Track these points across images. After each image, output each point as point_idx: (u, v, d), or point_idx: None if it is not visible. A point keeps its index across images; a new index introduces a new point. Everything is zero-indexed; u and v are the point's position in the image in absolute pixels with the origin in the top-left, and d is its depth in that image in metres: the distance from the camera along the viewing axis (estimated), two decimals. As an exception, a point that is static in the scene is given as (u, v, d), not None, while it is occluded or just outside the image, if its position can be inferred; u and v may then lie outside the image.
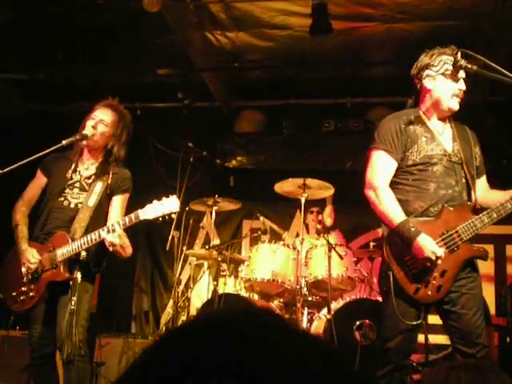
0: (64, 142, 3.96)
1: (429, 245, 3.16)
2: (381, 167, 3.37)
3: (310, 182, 5.81)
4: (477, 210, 3.35)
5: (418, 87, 3.55)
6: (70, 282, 3.78)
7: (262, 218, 6.72)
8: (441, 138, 3.40)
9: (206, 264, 7.00)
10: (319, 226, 6.04)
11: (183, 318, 6.55)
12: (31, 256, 3.89)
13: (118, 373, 6.30)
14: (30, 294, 3.92)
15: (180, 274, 6.95)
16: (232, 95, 7.87)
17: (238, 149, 8.01)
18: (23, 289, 3.93)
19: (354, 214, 7.54)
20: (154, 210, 3.72)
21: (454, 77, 3.29)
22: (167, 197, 3.78)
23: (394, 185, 3.40)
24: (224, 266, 6.31)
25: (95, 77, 7.06)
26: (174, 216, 3.93)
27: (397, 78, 7.29)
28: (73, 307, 3.72)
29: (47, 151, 3.97)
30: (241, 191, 7.74)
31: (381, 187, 3.33)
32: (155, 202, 3.75)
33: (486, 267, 7.29)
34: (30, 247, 3.94)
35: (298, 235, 6.70)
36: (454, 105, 3.40)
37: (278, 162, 7.88)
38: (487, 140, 7.05)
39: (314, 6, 5.72)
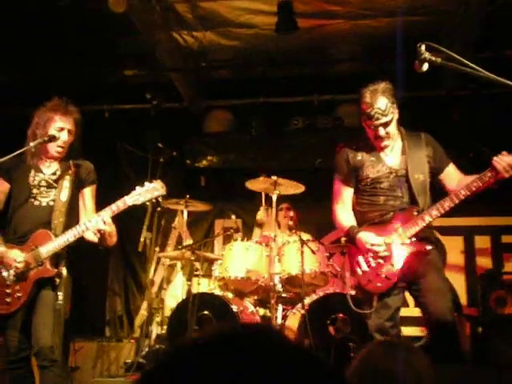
0: (32, 145, 3.99)
1: (367, 237, 3.85)
2: (336, 193, 4.19)
3: (280, 180, 5.86)
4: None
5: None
6: (57, 280, 3.82)
7: (233, 217, 6.74)
8: (386, 158, 4.00)
9: (179, 264, 6.97)
10: (291, 223, 6.07)
11: (157, 319, 6.53)
12: (17, 256, 3.87)
13: (93, 377, 6.26)
14: (17, 294, 3.89)
15: (153, 276, 6.92)
16: (200, 95, 7.87)
17: (207, 148, 8.01)
18: (8, 291, 3.89)
19: (324, 210, 7.59)
20: (140, 196, 3.83)
21: (372, 125, 3.87)
22: (150, 182, 3.88)
23: (356, 200, 4.12)
24: (197, 265, 6.30)
25: (61, 79, 7.00)
26: (160, 200, 4.05)
27: (363, 74, 7.41)
28: (60, 302, 3.78)
29: (10, 156, 3.97)
30: (212, 191, 7.75)
31: (336, 209, 4.17)
32: (139, 188, 3.85)
33: (456, 259, 7.43)
34: (10, 248, 3.93)
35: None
36: (381, 144, 3.96)
37: (248, 161, 7.90)
38: (453, 133, 7.21)
39: (280, 3, 5.76)
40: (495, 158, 3.60)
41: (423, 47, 2.67)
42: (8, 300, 3.89)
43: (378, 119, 3.84)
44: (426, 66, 2.79)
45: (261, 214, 6.75)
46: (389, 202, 3.93)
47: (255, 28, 6.43)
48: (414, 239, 3.82)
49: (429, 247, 3.82)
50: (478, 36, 6.07)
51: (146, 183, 3.88)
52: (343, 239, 6.55)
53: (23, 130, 4.18)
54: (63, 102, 4.17)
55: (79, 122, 4.20)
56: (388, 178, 3.95)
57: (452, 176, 4.00)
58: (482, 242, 7.59)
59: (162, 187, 3.89)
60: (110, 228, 3.88)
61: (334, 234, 7.70)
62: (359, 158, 4.04)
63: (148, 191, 3.85)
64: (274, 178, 5.82)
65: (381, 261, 3.83)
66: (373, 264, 3.85)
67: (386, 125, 3.87)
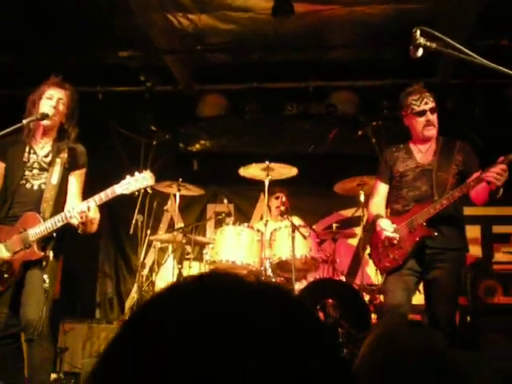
0: (24, 122, 3.99)
1: (382, 223, 4.27)
2: (373, 189, 4.66)
3: (273, 165, 5.86)
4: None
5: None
6: (43, 263, 3.87)
7: (225, 201, 6.74)
8: (418, 156, 4.38)
9: (170, 248, 6.97)
10: (283, 208, 6.07)
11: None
12: (1, 253, 3.92)
13: (83, 358, 6.28)
14: (4, 276, 3.93)
15: (144, 258, 6.93)
16: (195, 79, 7.83)
17: (201, 132, 7.98)
18: None
19: (316, 196, 7.62)
20: (129, 185, 3.87)
21: (420, 111, 4.25)
22: (140, 172, 3.93)
23: (389, 198, 4.50)
24: (189, 248, 6.31)
25: (56, 60, 6.95)
26: (149, 190, 4.09)
27: (358, 61, 7.41)
28: (46, 285, 3.83)
29: (3, 132, 3.96)
30: (204, 175, 7.73)
31: (370, 202, 4.64)
32: (129, 177, 3.89)
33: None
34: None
35: (262, 218, 6.73)
36: (428, 134, 4.32)
37: (241, 146, 7.88)
38: (447, 122, 7.21)
39: (276, -13, 5.74)
40: (484, 175, 3.91)
41: (418, 32, 2.67)
42: None
43: (427, 103, 4.25)
44: (420, 52, 2.79)
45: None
46: (410, 193, 4.32)
47: (251, 12, 6.38)
48: (424, 224, 4.16)
49: (436, 233, 4.14)
50: (474, 24, 6.06)
51: (136, 173, 3.93)
52: (335, 226, 6.59)
53: (19, 111, 4.17)
54: (58, 77, 4.19)
55: (73, 97, 4.19)
56: (414, 172, 4.34)
57: None
58: (472, 231, 7.61)
59: (152, 178, 3.96)
60: (94, 215, 3.90)
61: (326, 220, 7.73)
62: (395, 154, 4.47)
63: (137, 181, 3.90)
64: (267, 163, 5.83)
65: (392, 243, 4.22)
66: (385, 246, 4.26)
67: (433, 110, 4.27)
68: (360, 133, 6.37)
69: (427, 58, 3.28)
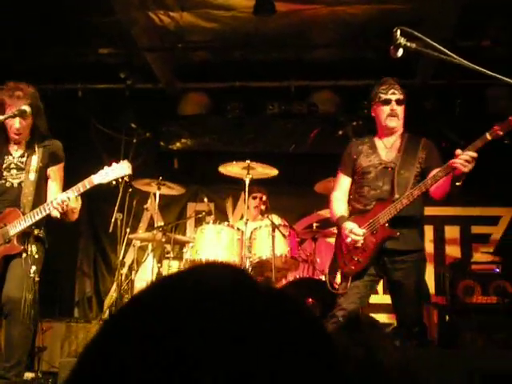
0: (1, 118, 4.01)
1: (351, 227, 4.17)
2: (336, 182, 4.58)
3: (253, 164, 5.85)
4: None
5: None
6: (24, 255, 3.97)
7: (205, 200, 6.72)
8: (382, 152, 4.32)
9: (150, 246, 6.93)
10: (263, 207, 6.06)
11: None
12: None
13: (61, 357, 6.22)
14: None
15: (124, 257, 6.87)
16: (176, 77, 7.79)
17: (182, 131, 7.94)
18: None
19: (297, 195, 7.62)
20: (107, 175, 3.99)
21: (387, 100, 4.22)
22: (117, 163, 4.07)
23: (351, 192, 4.45)
24: (168, 247, 6.27)
25: (36, 57, 6.89)
26: (126, 179, 4.19)
27: (340, 61, 7.42)
28: (33, 275, 3.96)
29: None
30: (185, 174, 7.71)
31: (332, 197, 4.53)
32: (106, 167, 4.03)
33: (425, 248, 7.50)
34: None
35: (242, 217, 6.72)
36: (390, 124, 4.27)
37: (223, 145, 7.86)
38: (426, 123, 7.26)
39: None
40: (451, 161, 3.79)
41: (398, 32, 2.67)
42: None
43: (394, 93, 4.22)
44: (400, 52, 2.79)
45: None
46: (371, 192, 4.26)
47: (233, 10, 6.36)
48: (386, 225, 4.12)
49: (398, 233, 4.10)
50: (456, 25, 6.09)
51: (114, 164, 4.07)
52: (315, 225, 6.60)
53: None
54: (15, 85, 4.14)
55: (35, 103, 4.17)
56: (376, 169, 4.27)
57: None
58: (451, 231, 7.68)
59: (129, 167, 4.09)
60: (75, 205, 4.02)
61: (306, 219, 7.74)
62: (360, 147, 4.40)
63: (114, 170, 4.03)
64: (248, 161, 5.81)
65: (357, 246, 4.16)
66: (350, 249, 4.20)
67: (399, 102, 4.24)
68: (341, 132, 6.39)
69: (408, 59, 3.30)
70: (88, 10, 6.29)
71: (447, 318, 6.63)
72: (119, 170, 4.03)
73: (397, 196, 4.10)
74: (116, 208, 6.49)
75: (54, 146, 4.31)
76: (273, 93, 7.75)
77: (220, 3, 6.22)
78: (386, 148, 4.33)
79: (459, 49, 2.61)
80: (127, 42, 6.83)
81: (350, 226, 4.20)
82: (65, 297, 7.87)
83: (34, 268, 3.96)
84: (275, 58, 7.41)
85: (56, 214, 3.97)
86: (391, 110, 4.23)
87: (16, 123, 4.09)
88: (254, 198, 6.47)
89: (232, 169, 6.04)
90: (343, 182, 4.49)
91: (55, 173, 4.27)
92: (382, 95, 4.24)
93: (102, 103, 7.69)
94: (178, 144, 7.96)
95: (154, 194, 6.61)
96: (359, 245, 4.14)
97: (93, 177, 3.99)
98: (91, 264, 8.02)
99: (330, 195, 4.62)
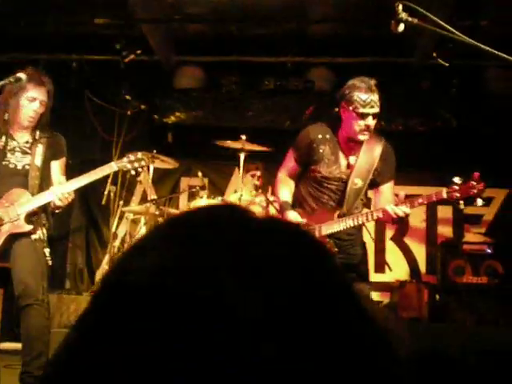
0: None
1: (291, 214, 4.07)
2: (286, 162, 4.33)
3: (249, 145, 5.85)
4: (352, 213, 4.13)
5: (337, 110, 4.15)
6: (33, 237, 3.99)
7: (199, 174, 6.70)
8: (343, 163, 4.12)
9: (142, 220, 6.91)
10: (258, 182, 6.04)
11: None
12: None
13: (52, 328, 6.22)
14: None
15: (116, 230, 6.87)
16: (172, 49, 7.71)
17: (176, 104, 7.87)
18: None
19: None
20: (127, 163, 4.27)
21: (362, 113, 3.89)
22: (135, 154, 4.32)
23: (303, 182, 4.26)
24: (161, 220, 6.24)
25: (30, 27, 6.80)
26: (140, 170, 4.39)
27: (338, 37, 7.35)
28: (48, 258, 4.02)
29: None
30: (179, 147, 7.66)
31: (279, 177, 4.35)
32: (126, 157, 4.33)
33: (417, 227, 7.54)
34: None
35: (236, 192, 6.69)
36: (362, 138, 4.02)
37: (217, 119, 7.81)
38: (422, 102, 7.23)
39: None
40: (385, 209, 3.85)
41: (400, 7, 2.64)
42: None
43: (372, 107, 3.90)
44: (402, 27, 2.77)
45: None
46: (330, 202, 4.16)
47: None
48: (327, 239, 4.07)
49: (336, 249, 4.05)
50: (454, 4, 6.03)
51: (131, 155, 4.27)
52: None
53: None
54: (37, 72, 4.19)
55: (52, 93, 4.20)
56: (338, 183, 4.15)
57: (383, 194, 4.22)
58: (444, 211, 7.68)
59: (148, 158, 4.38)
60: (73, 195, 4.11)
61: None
62: (321, 151, 4.12)
63: (135, 162, 4.25)
64: (243, 138, 5.78)
65: None
66: None
67: (375, 116, 3.95)
68: (336, 110, 6.34)
69: (405, 36, 3.26)
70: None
71: (437, 297, 6.69)
72: (140, 160, 4.25)
73: (344, 210, 4.08)
74: (109, 181, 6.46)
75: (59, 140, 4.34)
76: (269, 68, 7.69)
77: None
78: (346, 157, 4.16)
79: (457, 28, 2.58)
80: (123, 13, 6.74)
81: (291, 214, 4.10)
82: (56, 268, 7.84)
83: (47, 250, 4.01)
84: (272, 33, 7.34)
85: (60, 203, 3.98)
86: (366, 126, 3.95)
87: (35, 106, 4.08)
88: (253, 176, 6.47)
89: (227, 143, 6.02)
90: (292, 168, 4.31)
91: (59, 167, 4.29)
92: (359, 107, 3.90)
93: (97, 75, 7.62)
94: (172, 117, 7.90)
95: (148, 167, 6.57)
96: None
97: (112, 164, 4.20)
98: (83, 236, 8.00)
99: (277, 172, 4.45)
